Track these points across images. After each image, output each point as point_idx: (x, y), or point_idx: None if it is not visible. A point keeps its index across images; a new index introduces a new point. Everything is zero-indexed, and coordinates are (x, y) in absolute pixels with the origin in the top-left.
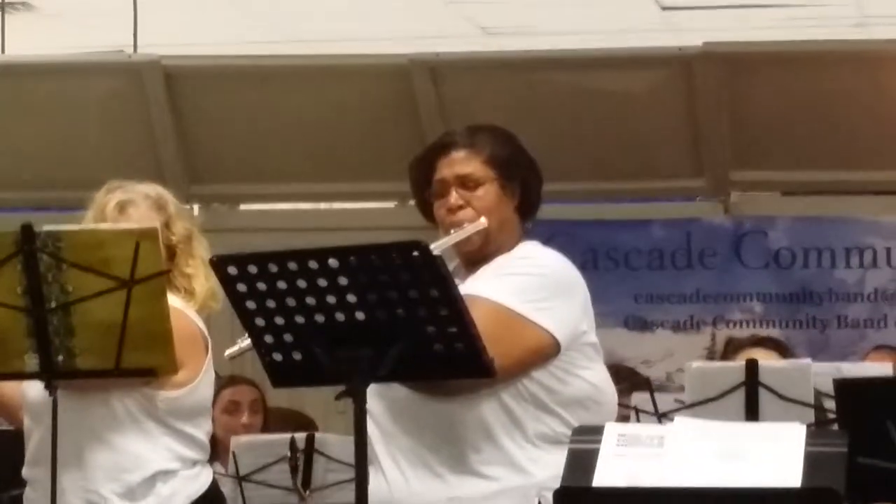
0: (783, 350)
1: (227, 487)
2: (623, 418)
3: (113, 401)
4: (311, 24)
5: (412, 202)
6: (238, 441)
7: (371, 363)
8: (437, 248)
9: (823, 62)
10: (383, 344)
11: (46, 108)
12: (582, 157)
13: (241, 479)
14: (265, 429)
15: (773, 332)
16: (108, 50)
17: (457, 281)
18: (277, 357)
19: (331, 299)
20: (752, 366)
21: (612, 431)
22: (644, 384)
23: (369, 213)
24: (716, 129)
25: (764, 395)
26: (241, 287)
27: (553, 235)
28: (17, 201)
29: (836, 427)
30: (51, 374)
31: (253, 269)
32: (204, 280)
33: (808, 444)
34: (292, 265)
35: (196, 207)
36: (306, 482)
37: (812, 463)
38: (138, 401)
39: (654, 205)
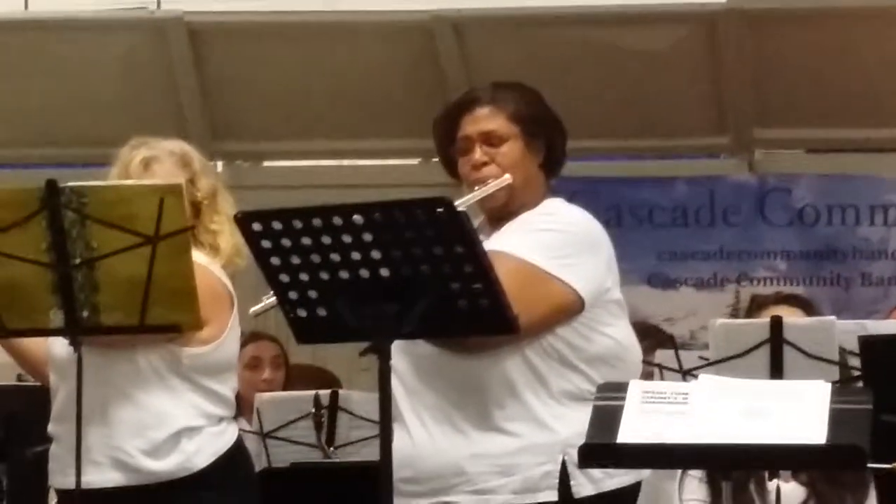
0: (808, 307)
1: (252, 443)
2: (647, 375)
3: (138, 357)
4: None
5: (436, 159)
6: (262, 398)
7: (395, 319)
8: (461, 204)
9: (847, 18)
10: (408, 300)
11: (69, 64)
12: (606, 114)
13: (265, 436)
14: (287, 385)
15: (797, 290)
16: (131, 6)
17: (481, 237)
18: (302, 313)
19: (355, 256)
20: (776, 323)
21: (637, 388)
22: (668, 341)
23: (393, 169)
24: (740, 86)
25: (788, 353)
26: (266, 243)
27: (577, 192)
28: (41, 158)
29: (860, 384)
30: (76, 331)
31: (277, 225)
32: (229, 236)
33: (832, 401)
34: (317, 221)
35: (219, 164)
36: (330, 439)
37: (837, 420)
38: (163, 357)
39: (678, 162)
